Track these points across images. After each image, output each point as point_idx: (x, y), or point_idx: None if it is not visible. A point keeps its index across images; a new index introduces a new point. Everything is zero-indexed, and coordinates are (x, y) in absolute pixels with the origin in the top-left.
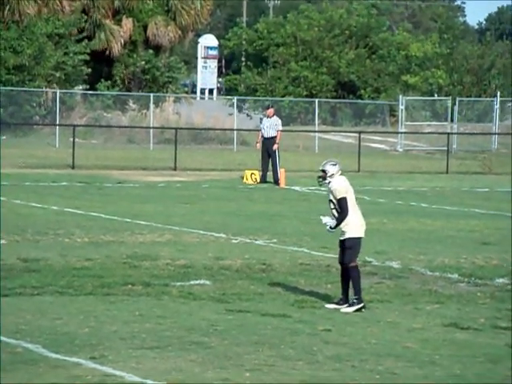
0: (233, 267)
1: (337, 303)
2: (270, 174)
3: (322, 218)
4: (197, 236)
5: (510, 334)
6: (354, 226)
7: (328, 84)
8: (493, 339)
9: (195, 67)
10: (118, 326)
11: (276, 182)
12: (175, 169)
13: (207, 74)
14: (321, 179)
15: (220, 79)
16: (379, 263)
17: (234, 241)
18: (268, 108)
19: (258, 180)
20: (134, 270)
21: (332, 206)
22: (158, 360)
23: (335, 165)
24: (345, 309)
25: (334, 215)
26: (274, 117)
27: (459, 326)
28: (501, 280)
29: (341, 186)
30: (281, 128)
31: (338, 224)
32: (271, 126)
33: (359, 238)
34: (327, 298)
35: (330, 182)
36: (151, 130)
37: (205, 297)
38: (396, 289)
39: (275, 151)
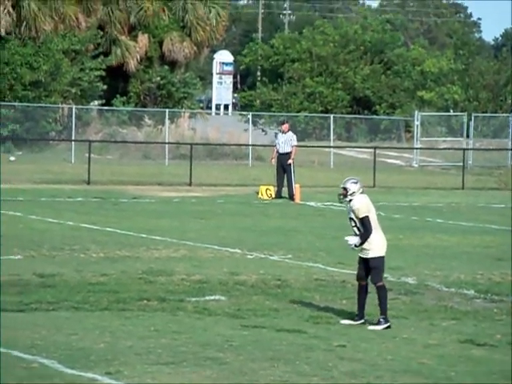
0: (248, 283)
1: (353, 319)
2: (285, 189)
3: (347, 238)
4: (212, 251)
5: None
6: (377, 244)
7: (343, 100)
8: (509, 356)
9: (210, 83)
10: (133, 342)
11: (291, 197)
12: (190, 184)
13: (222, 90)
14: (341, 196)
15: (235, 95)
16: (395, 279)
17: (249, 256)
18: (283, 123)
19: (273, 195)
20: (149, 286)
21: (353, 224)
22: (173, 375)
23: (356, 183)
24: (372, 327)
25: (356, 233)
26: (289, 132)
27: (475, 342)
28: None
29: (362, 204)
30: (296, 143)
31: (362, 243)
32: (286, 141)
33: (383, 257)
34: (342, 314)
35: (350, 200)
36: (166, 146)
37: (220, 312)
38: (411, 305)
39: (290, 166)
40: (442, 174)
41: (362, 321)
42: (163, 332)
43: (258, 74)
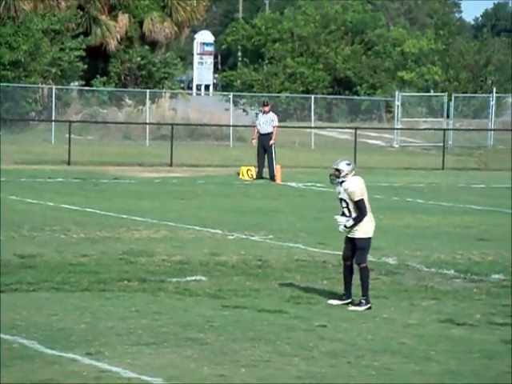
0: (229, 263)
1: (340, 299)
2: (265, 170)
3: (336, 217)
4: (193, 232)
5: (506, 329)
6: (366, 225)
7: (324, 80)
8: (488, 335)
9: (191, 63)
10: (114, 322)
11: (272, 177)
12: (171, 165)
13: (203, 70)
14: (333, 177)
15: (216, 75)
16: (375, 259)
17: (230, 237)
18: (264, 104)
19: (254, 176)
20: (129, 266)
21: (344, 205)
22: (153, 356)
23: (349, 164)
24: (353, 307)
25: (346, 214)
26: (270, 113)
27: (455, 321)
28: (497, 276)
29: (357, 187)
30: (277, 124)
31: (355, 225)
32: (267, 122)
33: (370, 239)
34: (323, 294)
35: (343, 182)
36: (147, 126)
37: (201, 293)
38: (392, 285)
39: (271, 147)
40: (422, 155)
41: (350, 300)
42: (144, 313)
43: (239, 54)
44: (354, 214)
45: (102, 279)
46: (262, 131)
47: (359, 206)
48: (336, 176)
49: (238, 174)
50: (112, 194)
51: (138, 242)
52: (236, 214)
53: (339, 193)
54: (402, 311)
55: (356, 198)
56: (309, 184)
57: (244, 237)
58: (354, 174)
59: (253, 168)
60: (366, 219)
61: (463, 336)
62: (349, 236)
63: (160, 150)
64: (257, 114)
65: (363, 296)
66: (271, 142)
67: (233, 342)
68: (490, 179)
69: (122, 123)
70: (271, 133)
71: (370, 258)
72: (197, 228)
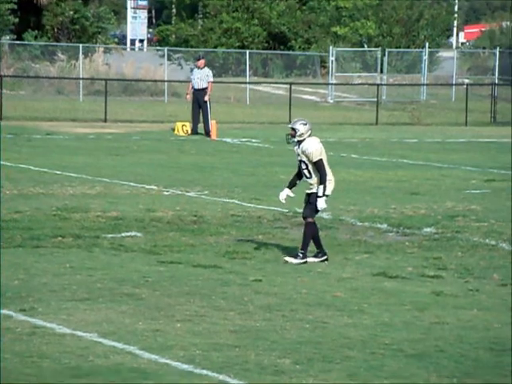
0: (164, 219)
1: (315, 256)
2: (201, 125)
3: (321, 207)
4: (128, 188)
5: (437, 282)
6: (329, 183)
7: (259, 35)
8: (420, 287)
9: (125, 18)
10: (48, 279)
11: (207, 133)
12: (105, 120)
13: (137, 25)
14: (289, 137)
15: (150, 30)
16: None
17: (165, 193)
18: (198, 59)
19: (190, 132)
20: (64, 223)
21: (304, 167)
22: (88, 312)
23: (305, 124)
24: (288, 258)
25: (306, 175)
26: (205, 68)
27: (387, 275)
28: (428, 229)
29: (315, 149)
30: (212, 79)
31: (325, 187)
32: (202, 77)
33: (326, 196)
34: (258, 249)
35: (300, 142)
36: (81, 81)
37: (136, 249)
38: (326, 239)
39: (206, 103)
40: (356, 110)
41: (326, 257)
42: (78, 269)
43: (174, 8)
44: (313, 175)
45: (35, 235)
46: (197, 86)
47: (318, 166)
48: (292, 135)
49: (173, 129)
50: (45, 149)
51: (73, 198)
52: (171, 169)
53: (298, 155)
54: (336, 265)
55: (314, 159)
56: (244, 140)
57: (179, 193)
58: (311, 135)
59: (188, 124)
60: (328, 171)
61: (395, 289)
62: (306, 192)
63: (94, 106)
64: (192, 69)
65: (301, 249)
66: (206, 97)
67: (168, 297)
68: (423, 134)
69: (54, 78)
70: (206, 88)
71: None
72: (132, 184)
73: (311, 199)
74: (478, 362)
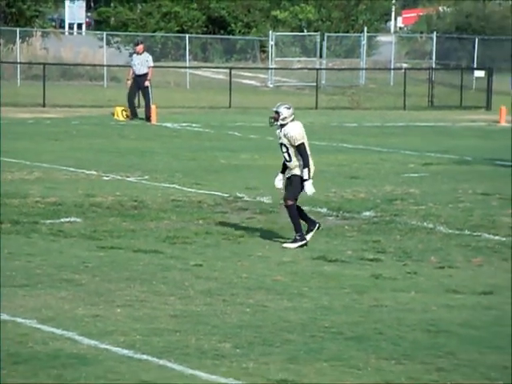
0: (104, 204)
1: (308, 232)
2: (141, 110)
3: (308, 191)
4: (67, 173)
5: (376, 265)
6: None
7: (199, 19)
8: (359, 271)
9: (63, 1)
10: None
11: (148, 118)
12: (44, 105)
13: (75, 9)
14: (272, 120)
15: (89, 14)
16: (250, 199)
17: (105, 178)
18: (137, 44)
19: (130, 116)
20: (2, 208)
21: (284, 150)
22: (27, 298)
23: (289, 108)
24: (287, 244)
25: (286, 158)
26: (145, 53)
27: (327, 258)
28: (368, 213)
29: (297, 132)
30: (152, 64)
31: (309, 170)
32: (142, 62)
33: (301, 178)
34: (199, 234)
35: (282, 126)
36: (18, 66)
37: (75, 234)
38: (267, 223)
39: (147, 88)
40: (296, 94)
41: (318, 224)
42: (17, 254)
43: None
44: (294, 159)
45: None
46: (138, 72)
47: (300, 151)
48: (275, 119)
49: (113, 114)
50: None
51: (11, 184)
52: (111, 154)
53: (279, 138)
54: (277, 249)
55: (296, 143)
56: (184, 124)
57: (119, 178)
58: (294, 119)
59: (128, 108)
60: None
61: (335, 272)
62: (286, 176)
63: (32, 90)
64: (131, 54)
65: (296, 233)
66: (146, 82)
67: (108, 283)
68: (362, 118)
69: None
70: (147, 73)
71: (245, 197)
72: (71, 169)
73: (289, 182)
74: (415, 343)
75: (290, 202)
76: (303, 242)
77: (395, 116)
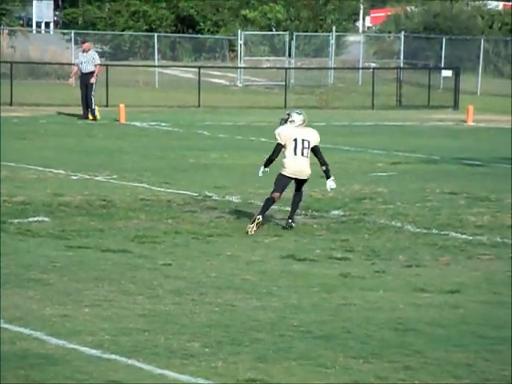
0: (72, 203)
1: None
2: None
3: (332, 187)
4: (35, 172)
5: (344, 263)
6: (285, 163)
7: (167, 18)
8: (328, 269)
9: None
10: None
11: (91, 115)
12: (11, 104)
13: (43, 7)
14: (282, 121)
15: (57, 12)
16: (219, 198)
17: (73, 177)
18: (84, 43)
19: (91, 117)
20: None
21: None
22: None
23: (300, 114)
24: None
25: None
26: (91, 51)
27: (296, 257)
28: (336, 212)
29: (282, 133)
30: (99, 62)
31: (328, 168)
32: (88, 60)
33: (286, 178)
34: (168, 233)
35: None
36: None
37: (43, 233)
38: (236, 223)
39: (92, 85)
40: (265, 94)
41: (259, 217)
42: None
43: None
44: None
45: None
46: (84, 70)
47: (274, 149)
48: (284, 120)
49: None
50: None
51: None
52: (79, 153)
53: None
54: (246, 248)
55: (277, 141)
56: (153, 123)
57: (88, 177)
58: (300, 125)
59: (96, 107)
60: (289, 159)
61: (304, 271)
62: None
63: None
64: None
65: (289, 219)
66: (92, 79)
67: (76, 282)
68: (330, 117)
69: None
70: (93, 72)
71: (214, 196)
72: (39, 168)
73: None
74: (383, 342)
75: (271, 195)
76: (256, 218)
77: (363, 115)
